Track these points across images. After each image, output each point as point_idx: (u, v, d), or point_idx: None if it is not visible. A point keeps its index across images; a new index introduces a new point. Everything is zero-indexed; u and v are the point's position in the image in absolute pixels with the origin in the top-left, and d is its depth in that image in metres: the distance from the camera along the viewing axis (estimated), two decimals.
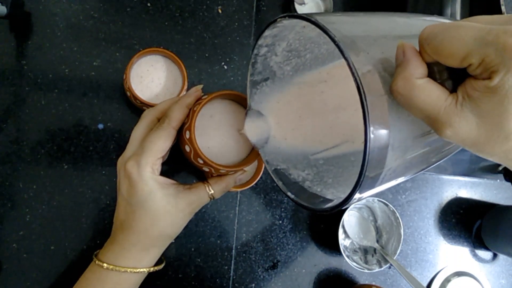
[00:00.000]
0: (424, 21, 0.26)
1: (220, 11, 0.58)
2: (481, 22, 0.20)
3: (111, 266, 0.37)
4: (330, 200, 0.28)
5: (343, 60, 0.20)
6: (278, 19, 0.26)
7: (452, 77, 0.21)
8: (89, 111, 0.51)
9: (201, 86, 0.39)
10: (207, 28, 0.57)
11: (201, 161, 0.36)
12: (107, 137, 0.52)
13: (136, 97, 0.47)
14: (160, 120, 0.38)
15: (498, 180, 0.70)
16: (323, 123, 0.33)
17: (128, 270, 0.37)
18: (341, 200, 0.24)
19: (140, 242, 0.37)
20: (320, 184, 0.32)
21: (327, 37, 0.21)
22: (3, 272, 0.47)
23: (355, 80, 0.19)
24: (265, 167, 0.51)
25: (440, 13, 0.53)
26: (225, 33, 0.58)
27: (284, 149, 0.34)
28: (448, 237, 0.69)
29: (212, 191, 0.40)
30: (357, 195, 0.22)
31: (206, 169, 0.38)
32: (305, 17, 0.22)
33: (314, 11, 0.63)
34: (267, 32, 0.28)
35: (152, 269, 0.39)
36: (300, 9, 0.59)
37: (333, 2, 0.61)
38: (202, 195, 0.39)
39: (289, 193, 0.32)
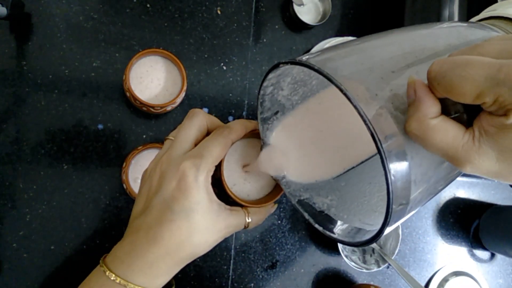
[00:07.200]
0: (427, 38, 0.25)
1: (219, 12, 0.58)
2: (491, 51, 0.19)
3: (127, 284, 0.31)
4: (356, 229, 0.29)
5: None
6: (281, 65, 0.26)
7: (467, 111, 0.21)
8: (89, 112, 0.51)
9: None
10: (206, 29, 0.57)
11: (230, 199, 0.35)
12: (106, 138, 0.52)
13: (135, 98, 0.47)
14: (213, 129, 0.36)
15: (496, 180, 0.71)
16: (337, 144, 0.32)
17: None
18: (370, 236, 0.24)
19: (167, 258, 0.32)
20: (344, 210, 0.31)
21: None
22: (3, 272, 0.48)
23: (369, 128, 0.19)
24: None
25: (438, 13, 0.53)
26: (224, 34, 0.58)
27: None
28: (446, 237, 0.69)
29: (250, 220, 0.36)
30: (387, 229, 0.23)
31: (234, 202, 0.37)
32: (307, 64, 0.22)
33: (312, 12, 0.63)
34: (270, 75, 0.28)
35: None
36: (299, 10, 0.59)
37: (332, 3, 0.61)
38: (240, 221, 0.35)
39: (316, 225, 0.31)
